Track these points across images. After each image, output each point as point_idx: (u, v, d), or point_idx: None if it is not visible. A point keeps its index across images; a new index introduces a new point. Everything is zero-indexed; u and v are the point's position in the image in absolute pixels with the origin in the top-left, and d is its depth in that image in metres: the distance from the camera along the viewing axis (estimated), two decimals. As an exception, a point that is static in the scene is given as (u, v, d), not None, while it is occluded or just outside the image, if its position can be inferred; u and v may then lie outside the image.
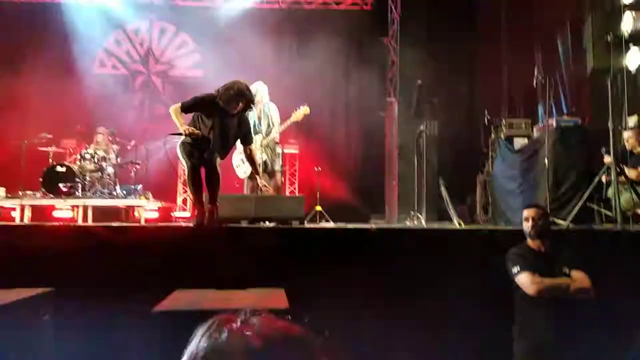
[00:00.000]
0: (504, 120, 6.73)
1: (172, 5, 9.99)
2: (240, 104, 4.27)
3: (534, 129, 6.34)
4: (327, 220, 6.40)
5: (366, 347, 3.71)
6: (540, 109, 6.82)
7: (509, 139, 6.54)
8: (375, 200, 8.75)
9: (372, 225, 4.38)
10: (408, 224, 6.98)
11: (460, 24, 8.34)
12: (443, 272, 3.97)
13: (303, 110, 5.72)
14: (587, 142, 5.26)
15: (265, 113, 5.63)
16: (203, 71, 10.06)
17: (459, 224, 6.13)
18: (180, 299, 2.82)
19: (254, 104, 4.57)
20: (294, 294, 3.13)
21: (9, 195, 6.59)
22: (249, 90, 4.38)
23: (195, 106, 4.39)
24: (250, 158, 4.66)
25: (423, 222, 6.91)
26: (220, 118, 4.26)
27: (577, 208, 4.40)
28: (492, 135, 7.08)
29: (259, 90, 5.54)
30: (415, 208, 7.36)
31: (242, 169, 5.63)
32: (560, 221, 4.58)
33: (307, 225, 4.58)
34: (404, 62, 8.14)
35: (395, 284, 3.90)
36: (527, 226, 3.35)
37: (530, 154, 5.80)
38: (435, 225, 6.13)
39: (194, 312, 2.52)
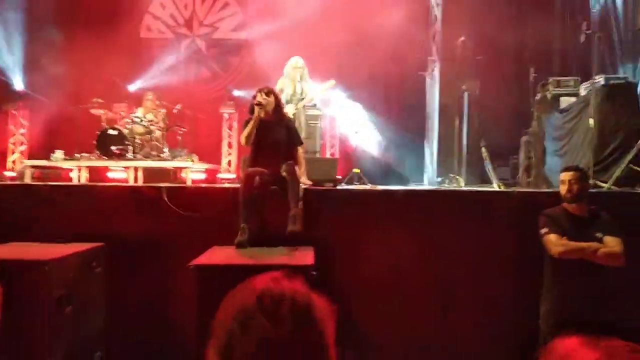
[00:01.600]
0: (550, 79, 6.44)
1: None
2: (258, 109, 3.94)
3: (582, 87, 6.04)
4: (364, 183, 6.47)
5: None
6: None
7: (556, 98, 6.27)
8: (417, 163, 8.69)
9: (401, 187, 4.41)
10: (446, 186, 6.95)
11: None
12: (476, 235, 4.01)
13: (328, 85, 5.89)
14: (637, 100, 4.98)
15: (301, 86, 5.76)
16: (246, 33, 10.14)
17: (498, 187, 6.06)
18: (216, 255, 3.05)
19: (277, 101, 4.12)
20: (322, 252, 3.30)
21: (67, 158, 7.06)
22: (265, 90, 4.06)
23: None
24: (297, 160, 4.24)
25: (462, 184, 6.86)
26: (264, 131, 3.96)
27: (619, 170, 4.24)
28: (539, 94, 6.80)
29: (298, 62, 5.84)
30: (455, 170, 7.30)
31: None
32: (602, 184, 4.45)
33: (339, 187, 4.67)
34: (446, 18, 7.85)
35: (428, 246, 3.98)
36: (562, 189, 3.31)
37: (576, 114, 5.57)
38: (470, 188, 6.05)
39: (227, 266, 2.73)
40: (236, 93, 9.58)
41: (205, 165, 7.91)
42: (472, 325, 3.96)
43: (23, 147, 9.16)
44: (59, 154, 7.05)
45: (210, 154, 8.68)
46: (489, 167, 6.38)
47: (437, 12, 8.23)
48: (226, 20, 10.36)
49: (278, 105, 4.07)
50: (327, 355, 0.91)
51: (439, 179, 7.26)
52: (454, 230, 4.07)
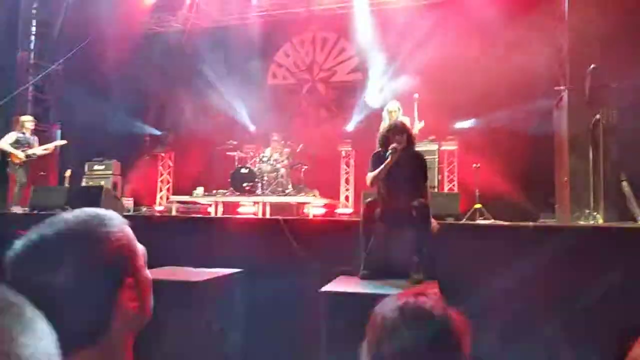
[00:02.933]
0: None
1: (332, 15, 10.67)
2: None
3: None
4: (486, 219, 6.25)
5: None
6: None
7: None
8: (544, 199, 8.13)
9: (530, 223, 4.19)
10: (582, 223, 6.40)
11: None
12: (616, 276, 3.67)
13: (419, 126, 6.46)
14: None
15: None
16: (362, 74, 10.58)
17: (645, 224, 5.45)
18: (344, 283, 3.20)
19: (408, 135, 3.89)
20: (446, 287, 3.27)
21: (206, 194, 7.89)
22: (400, 129, 3.85)
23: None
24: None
25: (600, 220, 6.27)
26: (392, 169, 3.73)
27: None
28: (690, 122, 6.07)
29: (392, 106, 6.26)
30: (591, 206, 6.70)
31: None
32: None
33: (462, 222, 4.59)
34: (575, 45, 7.42)
35: (560, 285, 3.73)
36: None
37: None
38: (610, 224, 5.51)
39: (355, 294, 2.86)
40: (352, 131, 9.95)
41: (325, 201, 8.27)
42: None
43: (168, 185, 10.43)
44: (199, 190, 7.93)
45: (329, 189, 9.06)
46: (632, 203, 5.78)
47: (563, 38, 7.83)
48: (343, 64, 10.93)
49: (410, 142, 3.82)
50: None
51: (574, 215, 6.72)
52: (588, 269, 3.76)
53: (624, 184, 6.33)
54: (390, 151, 3.63)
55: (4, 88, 8.78)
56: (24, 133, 7.42)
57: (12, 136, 7.30)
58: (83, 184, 8.53)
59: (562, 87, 7.57)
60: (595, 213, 6.53)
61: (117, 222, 0.96)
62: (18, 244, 0.87)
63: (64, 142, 7.95)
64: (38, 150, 7.47)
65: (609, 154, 6.71)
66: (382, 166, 3.65)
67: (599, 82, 6.92)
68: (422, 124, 6.44)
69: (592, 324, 3.61)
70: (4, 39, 8.95)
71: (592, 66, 6.85)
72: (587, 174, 6.83)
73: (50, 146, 7.66)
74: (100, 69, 9.91)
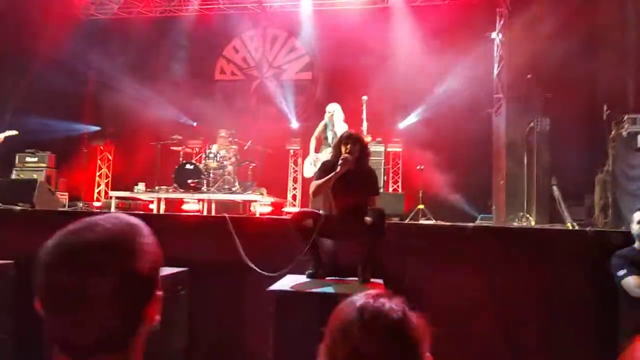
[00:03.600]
0: (626, 116, 6.22)
1: (283, 13, 10.62)
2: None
3: (662, 125, 5.78)
4: (428, 219, 6.46)
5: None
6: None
7: (632, 135, 6.03)
8: (483, 201, 8.54)
9: (469, 224, 4.38)
10: (516, 225, 6.77)
11: (577, 11, 7.77)
12: (547, 274, 3.91)
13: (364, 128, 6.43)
14: None
15: (334, 132, 5.84)
16: (312, 74, 10.63)
17: (572, 226, 5.84)
18: (291, 282, 3.19)
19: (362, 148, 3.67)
20: (391, 286, 3.35)
21: (148, 190, 7.62)
22: (352, 139, 3.64)
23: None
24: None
25: (532, 223, 6.66)
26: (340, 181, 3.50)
27: None
28: (613, 132, 6.56)
29: (336, 110, 6.00)
30: (525, 209, 7.10)
31: (311, 169, 5.89)
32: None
33: (406, 222, 4.72)
34: (512, 57, 7.85)
35: (495, 285, 3.92)
36: (636, 229, 3.22)
37: (656, 152, 5.32)
38: (542, 226, 5.87)
39: (304, 293, 2.87)
40: (300, 129, 9.97)
41: (272, 199, 8.22)
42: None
43: (107, 180, 9.98)
44: (141, 186, 7.64)
45: (277, 188, 9.02)
46: (561, 206, 6.18)
47: (502, 50, 8.25)
48: (293, 62, 10.92)
49: (362, 154, 3.60)
50: None
51: (509, 217, 7.09)
52: (524, 269, 3.99)
53: (554, 188, 6.75)
54: (340, 161, 3.39)
55: None
56: None
57: None
58: (13, 176, 7.98)
59: (500, 96, 7.98)
60: (528, 215, 6.94)
61: (148, 232, 0.95)
62: (53, 246, 0.85)
63: (14, 132, 7.32)
64: None
65: (541, 159, 7.15)
66: (329, 175, 3.41)
67: (533, 91, 7.36)
68: (365, 125, 6.48)
69: (526, 318, 3.83)
70: None
71: (528, 76, 7.27)
72: (522, 178, 7.24)
73: (0, 137, 7.11)
74: (34, 55, 9.31)
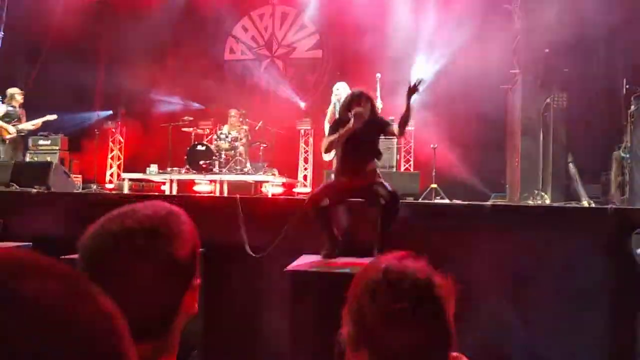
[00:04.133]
0: (646, 90, 6.05)
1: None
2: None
3: (684, 99, 5.62)
4: (442, 199, 6.40)
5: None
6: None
7: (653, 111, 5.86)
8: (497, 179, 8.43)
9: (487, 203, 4.32)
10: (531, 203, 6.69)
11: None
12: (563, 254, 3.86)
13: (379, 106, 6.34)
14: None
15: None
16: (322, 51, 10.47)
17: (588, 204, 5.75)
18: (307, 262, 3.18)
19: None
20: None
21: (160, 171, 7.64)
22: (364, 97, 3.61)
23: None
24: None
25: (547, 201, 6.57)
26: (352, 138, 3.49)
27: None
28: (632, 107, 6.39)
29: (341, 88, 5.98)
30: (540, 187, 7.00)
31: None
32: None
33: (420, 201, 4.67)
34: (529, 30, 7.62)
35: (511, 264, 3.88)
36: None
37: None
38: (558, 204, 5.78)
39: (319, 273, 2.85)
40: (311, 109, 9.88)
41: (283, 180, 8.21)
42: (554, 346, 3.78)
43: (119, 162, 10.02)
44: (153, 168, 7.66)
45: (288, 168, 8.99)
46: (577, 184, 6.08)
47: (519, 23, 8.01)
48: (303, 41, 10.76)
49: (373, 112, 3.59)
50: (446, 329, 0.99)
51: (523, 195, 7.00)
52: (540, 248, 3.93)
53: (570, 165, 6.64)
54: (353, 116, 3.34)
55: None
56: (13, 106, 6.89)
57: (1, 109, 6.78)
58: (27, 159, 8.04)
59: (516, 71, 7.79)
60: (543, 193, 6.84)
61: (188, 220, 0.95)
62: (94, 233, 0.85)
63: (54, 116, 7.33)
64: (27, 125, 6.95)
65: (558, 136, 7.01)
66: (342, 130, 3.37)
67: (551, 66, 7.17)
68: (381, 104, 6.42)
69: (543, 298, 3.79)
70: None
71: (545, 51, 7.08)
72: (537, 156, 7.11)
73: (38, 121, 7.12)
74: (45, 40, 9.28)
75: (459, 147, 8.33)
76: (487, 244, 3.79)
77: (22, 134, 7.07)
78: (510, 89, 8.13)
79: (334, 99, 6.03)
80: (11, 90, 7.02)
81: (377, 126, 3.66)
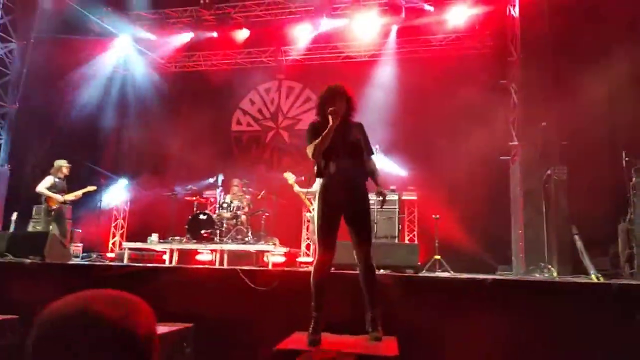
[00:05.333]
0: (646, 163, 6.07)
1: (299, 66, 10.92)
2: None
3: (685, 172, 5.61)
4: (446, 271, 6.26)
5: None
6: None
7: (655, 183, 5.85)
8: (502, 251, 8.28)
9: (488, 276, 4.19)
10: (537, 276, 6.51)
11: (590, 59, 7.78)
12: (571, 329, 3.69)
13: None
14: None
15: None
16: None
17: (597, 278, 5.57)
18: (299, 340, 3.05)
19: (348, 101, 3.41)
20: (406, 342, 3.18)
21: (161, 241, 7.60)
22: (339, 92, 3.38)
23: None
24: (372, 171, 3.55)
25: (554, 274, 6.40)
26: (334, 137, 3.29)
27: None
28: (633, 179, 6.39)
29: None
30: (546, 259, 6.85)
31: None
32: None
33: (422, 274, 4.56)
34: (526, 104, 7.84)
35: (516, 340, 3.71)
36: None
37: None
38: (564, 279, 5.62)
39: (308, 352, 2.72)
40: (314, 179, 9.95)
41: (285, 249, 8.11)
42: None
43: (122, 231, 10.03)
44: (154, 237, 7.64)
45: (290, 237, 8.92)
46: (584, 257, 5.94)
47: (516, 97, 8.26)
48: (308, 112, 11.10)
49: (350, 107, 3.39)
50: None
51: (530, 269, 6.84)
52: (547, 324, 3.77)
53: (576, 237, 6.52)
54: (330, 114, 3.16)
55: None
56: (60, 178, 7.08)
57: (49, 180, 6.98)
58: (29, 228, 8.06)
59: (516, 143, 7.90)
60: (549, 266, 6.67)
61: (148, 311, 0.94)
62: (52, 314, 0.85)
63: (93, 188, 7.49)
64: (70, 196, 7.11)
65: (560, 208, 6.96)
66: (324, 132, 3.19)
67: (549, 139, 7.28)
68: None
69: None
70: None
71: (543, 124, 7.22)
72: (541, 228, 7.03)
73: (79, 193, 7.26)
74: (58, 111, 9.66)
75: (464, 218, 8.28)
76: (489, 319, 3.64)
77: (67, 204, 7.18)
78: (510, 160, 8.22)
79: None
80: (58, 162, 7.21)
81: (359, 136, 3.43)
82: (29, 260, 4.88)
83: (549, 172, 6.90)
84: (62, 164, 7.22)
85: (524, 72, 7.93)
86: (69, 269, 4.80)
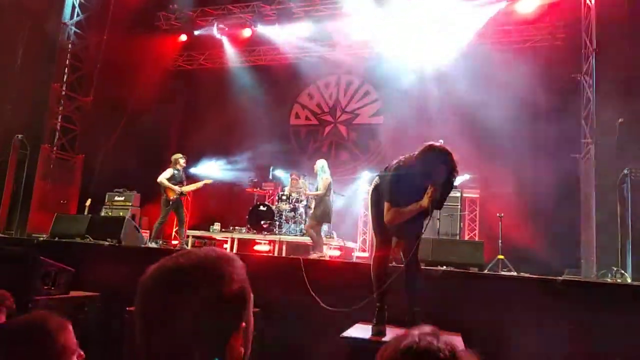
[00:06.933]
0: None
1: (358, 59, 10.86)
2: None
3: None
4: (509, 271, 6.04)
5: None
6: None
7: None
8: (569, 253, 7.87)
9: (559, 277, 3.99)
10: (609, 280, 6.14)
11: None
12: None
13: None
14: None
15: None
16: (384, 117, 10.66)
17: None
18: (362, 330, 3.06)
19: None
20: (470, 340, 3.11)
21: (223, 230, 7.85)
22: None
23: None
24: None
25: (628, 279, 6.02)
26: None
27: None
28: None
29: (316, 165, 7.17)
30: (619, 263, 6.45)
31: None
32: None
33: (486, 272, 4.42)
34: (601, 99, 7.38)
35: (582, 344, 3.53)
36: None
37: None
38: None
39: (374, 342, 2.73)
40: (372, 174, 9.91)
41: (342, 243, 8.14)
42: None
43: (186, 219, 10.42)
44: (216, 226, 7.90)
45: (346, 232, 8.94)
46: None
47: (590, 92, 7.80)
48: (366, 107, 11.05)
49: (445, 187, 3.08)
50: None
51: (601, 272, 6.47)
52: (619, 330, 3.55)
53: (654, 242, 6.10)
54: (431, 195, 2.91)
55: (36, 118, 9.06)
56: (178, 170, 7.43)
57: (169, 172, 7.37)
58: (102, 213, 8.57)
59: (588, 140, 7.48)
60: (622, 271, 6.28)
61: (240, 264, 0.98)
62: (152, 269, 0.92)
63: (210, 180, 7.85)
64: (188, 187, 7.47)
65: (637, 210, 6.52)
66: (414, 207, 2.97)
67: (627, 136, 6.83)
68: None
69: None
70: (42, 70, 9.30)
71: (619, 120, 6.77)
72: (615, 230, 6.61)
73: (199, 184, 7.62)
74: (127, 103, 10.18)
75: (529, 217, 7.95)
76: (557, 321, 3.48)
77: (184, 195, 7.50)
78: (582, 158, 7.78)
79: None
80: (176, 156, 7.58)
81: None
82: (107, 243, 5.19)
83: (625, 171, 6.47)
84: (179, 157, 7.51)
85: (599, 65, 7.46)
86: (143, 252, 5.06)
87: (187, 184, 7.53)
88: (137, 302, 0.90)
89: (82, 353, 1.45)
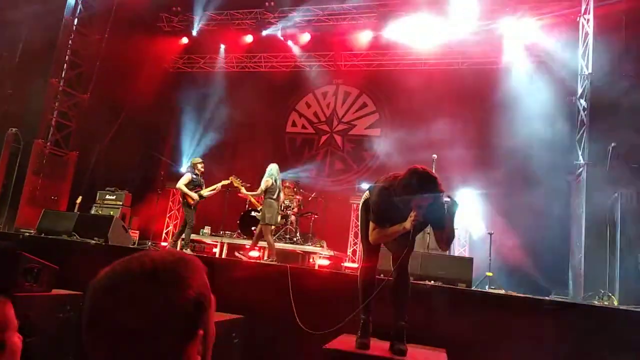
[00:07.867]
0: None
1: (357, 72, 10.94)
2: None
3: None
4: (497, 288, 6.04)
5: None
6: None
7: None
8: (557, 274, 7.90)
9: (546, 297, 4.00)
10: (596, 303, 6.16)
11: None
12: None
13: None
14: None
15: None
16: (380, 130, 10.70)
17: (664, 311, 5.19)
18: (346, 342, 3.04)
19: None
20: (455, 356, 3.10)
21: (213, 234, 7.81)
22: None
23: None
24: None
25: (615, 302, 6.03)
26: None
27: None
28: None
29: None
30: (606, 286, 6.47)
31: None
32: None
33: (473, 289, 4.42)
34: (595, 122, 7.45)
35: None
36: None
37: None
38: (628, 308, 5.27)
39: (358, 355, 2.71)
40: (365, 185, 9.91)
41: (331, 253, 8.12)
42: None
43: (176, 222, 10.37)
44: (207, 229, 7.86)
45: (337, 242, 8.92)
46: (650, 287, 5.57)
47: (584, 114, 7.88)
48: (363, 119, 11.09)
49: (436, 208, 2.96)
50: None
51: (588, 295, 6.48)
52: (604, 353, 3.55)
53: (641, 266, 6.13)
54: (414, 219, 2.82)
55: (32, 112, 9.00)
56: (197, 174, 7.33)
57: (187, 177, 7.27)
58: (92, 211, 8.50)
59: (581, 162, 7.53)
60: (610, 294, 6.30)
61: (200, 268, 0.92)
62: (102, 274, 0.86)
63: (228, 181, 7.71)
64: (206, 191, 7.35)
65: (626, 233, 6.55)
66: (397, 228, 2.92)
67: (619, 160, 6.89)
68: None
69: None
70: (40, 65, 9.25)
71: (612, 144, 6.84)
72: (604, 253, 6.64)
73: (217, 186, 7.50)
74: (124, 103, 10.16)
75: (519, 236, 7.97)
76: (541, 341, 3.47)
77: (203, 198, 7.36)
78: (574, 179, 7.83)
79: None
80: (195, 160, 7.50)
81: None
82: (93, 241, 5.14)
83: (615, 195, 6.52)
84: (197, 162, 7.41)
85: (594, 89, 7.54)
86: (129, 252, 5.00)
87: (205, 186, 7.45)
88: (83, 311, 0.85)
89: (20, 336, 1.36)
